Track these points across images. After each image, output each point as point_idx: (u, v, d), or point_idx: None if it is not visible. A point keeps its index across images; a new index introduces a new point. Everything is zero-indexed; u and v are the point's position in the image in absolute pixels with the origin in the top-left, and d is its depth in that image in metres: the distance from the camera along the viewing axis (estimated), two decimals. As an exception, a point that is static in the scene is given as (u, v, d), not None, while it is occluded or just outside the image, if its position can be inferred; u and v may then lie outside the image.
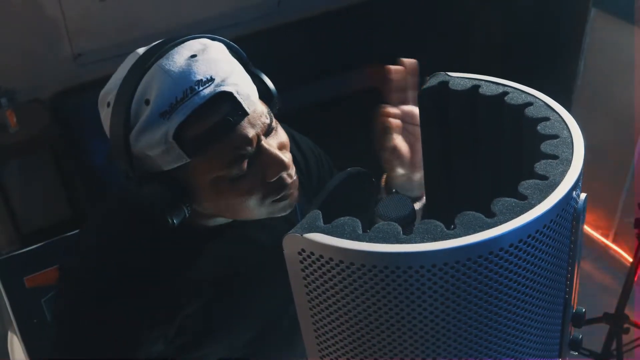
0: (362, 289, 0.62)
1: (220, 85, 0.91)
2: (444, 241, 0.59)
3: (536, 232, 0.62)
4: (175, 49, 0.94)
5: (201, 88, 0.90)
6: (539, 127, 0.73)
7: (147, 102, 0.90)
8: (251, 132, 0.94)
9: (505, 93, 0.79)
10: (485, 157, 0.83)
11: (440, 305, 0.62)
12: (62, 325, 1.06)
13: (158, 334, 1.05)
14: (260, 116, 0.96)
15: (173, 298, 1.05)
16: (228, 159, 0.94)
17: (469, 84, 0.82)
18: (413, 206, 0.79)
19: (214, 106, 0.91)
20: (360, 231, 0.62)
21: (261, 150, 0.96)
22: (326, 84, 3.26)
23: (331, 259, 0.62)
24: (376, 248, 0.60)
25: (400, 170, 1.10)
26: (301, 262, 0.65)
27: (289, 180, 0.99)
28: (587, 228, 3.04)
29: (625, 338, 2.38)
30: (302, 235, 0.63)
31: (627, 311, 2.31)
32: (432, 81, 0.85)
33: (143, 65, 0.91)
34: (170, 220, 0.95)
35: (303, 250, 0.64)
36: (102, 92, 0.97)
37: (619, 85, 2.63)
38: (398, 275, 0.60)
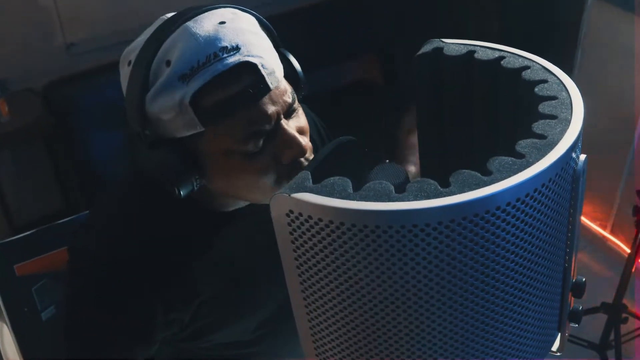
0: (353, 250, 0.59)
1: (246, 55, 0.87)
2: (438, 199, 0.57)
3: (534, 191, 0.59)
4: (205, 14, 0.90)
5: (225, 55, 0.86)
6: (536, 89, 0.70)
7: (168, 63, 0.87)
8: (271, 109, 0.90)
9: (502, 57, 0.77)
10: (482, 122, 0.81)
11: (434, 268, 0.59)
12: (76, 306, 1.03)
13: (173, 317, 1.02)
14: (283, 94, 0.92)
15: (190, 282, 1.02)
16: (244, 133, 0.90)
17: (464, 50, 0.80)
18: (407, 174, 0.76)
19: (236, 76, 0.87)
20: (350, 190, 0.60)
21: (280, 129, 0.92)
22: (323, 74, 3.24)
23: (320, 220, 0.59)
24: (367, 206, 0.57)
25: (412, 169, 1.07)
26: (289, 224, 0.62)
27: (305, 164, 0.94)
28: (584, 219, 3.02)
29: (625, 329, 2.36)
30: (289, 195, 0.60)
31: (626, 302, 2.29)
32: (427, 47, 0.82)
33: (169, 27, 0.88)
34: (176, 190, 0.90)
35: (291, 212, 0.61)
36: (125, 50, 0.94)
37: (617, 74, 2.61)
38: (390, 235, 0.57)
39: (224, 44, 0.87)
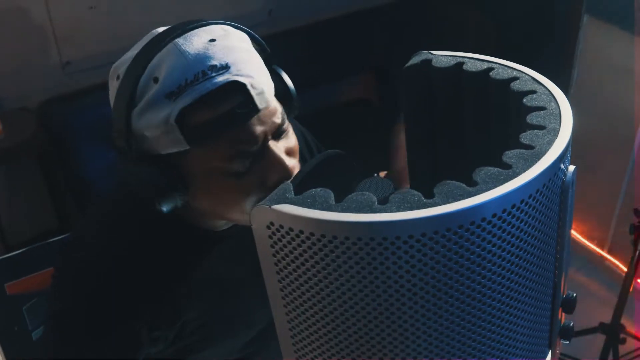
0: (334, 263, 0.57)
1: (235, 74, 0.86)
2: (422, 210, 0.55)
3: (521, 202, 0.58)
4: (196, 30, 0.89)
5: (214, 74, 0.85)
6: (525, 100, 0.69)
7: (155, 80, 0.86)
8: (258, 130, 0.89)
9: (491, 69, 0.76)
10: (472, 134, 0.79)
11: (418, 281, 0.57)
12: (58, 327, 1.01)
13: (158, 335, 1.00)
14: (272, 115, 0.91)
15: (174, 300, 1.00)
16: (229, 153, 0.88)
17: (452, 61, 0.79)
18: (394, 188, 0.75)
19: (224, 95, 0.85)
20: (332, 202, 0.58)
21: (267, 151, 0.91)
22: (317, 94, 3.24)
23: (301, 232, 0.58)
24: (349, 218, 0.56)
25: (408, 185, 1.06)
26: (270, 236, 0.60)
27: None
28: (581, 239, 3.00)
29: (623, 349, 2.33)
30: (270, 207, 0.58)
31: (624, 322, 2.27)
32: (415, 59, 0.81)
33: (159, 42, 0.87)
34: (158, 206, 0.89)
35: (272, 224, 0.59)
36: (115, 64, 0.93)
37: (614, 92, 2.61)
38: (372, 247, 0.56)
39: (213, 62, 0.86)
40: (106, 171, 2.79)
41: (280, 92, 0.96)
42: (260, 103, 0.88)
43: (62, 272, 1.02)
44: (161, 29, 0.91)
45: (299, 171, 0.78)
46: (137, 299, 0.97)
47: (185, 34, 0.88)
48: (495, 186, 0.57)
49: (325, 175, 0.82)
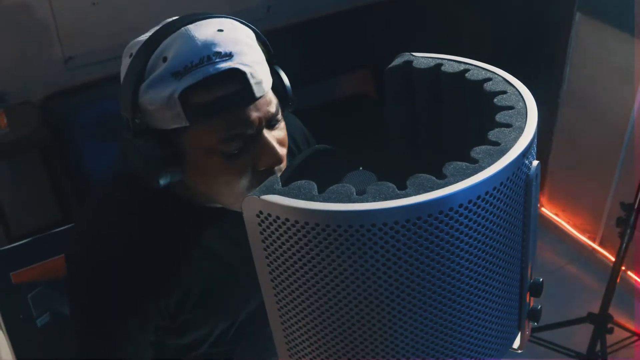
0: (317, 249, 0.64)
1: (237, 63, 0.93)
2: (395, 200, 0.61)
3: (486, 194, 0.64)
4: (207, 20, 0.97)
5: (218, 60, 0.93)
6: (495, 100, 0.75)
7: (164, 59, 0.93)
8: (254, 115, 0.96)
9: (466, 70, 0.82)
10: (448, 131, 0.85)
11: (393, 265, 0.63)
12: (76, 310, 1.09)
13: (162, 305, 1.06)
14: (268, 104, 0.98)
15: (174, 272, 1.07)
16: (226, 134, 0.95)
17: (432, 63, 0.85)
18: (376, 179, 0.80)
19: (224, 80, 0.93)
20: (315, 193, 0.64)
21: (260, 136, 0.98)
22: (314, 90, 3.28)
23: (287, 220, 0.64)
24: (329, 207, 0.62)
25: None
26: (259, 224, 0.66)
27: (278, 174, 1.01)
28: (574, 231, 3.06)
29: (611, 339, 2.39)
30: (259, 197, 0.64)
31: (612, 312, 2.33)
32: (398, 61, 0.87)
33: (171, 26, 0.95)
34: (155, 178, 0.96)
35: (261, 212, 0.65)
36: (130, 43, 1.01)
37: (605, 88, 2.66)
38: (351, 234, 0.62)
39: (219, 49, 0.93)
40: (105, 163, 2.84)
41: (278, 89, 1.03)
42: (257, 91, 0.96)
43: (69, 259, 1.09)
44: (174, 18, 0.99)
45: (288, 165, 0.84)
46: (140, 272, 1.04)
47: (197, 22, 0.96)
48: (463, 179, 0.63)
49: (314, 169, 0.88)
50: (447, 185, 0.62)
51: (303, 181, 0.66)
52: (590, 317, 2.33)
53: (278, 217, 0.64)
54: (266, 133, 0.99)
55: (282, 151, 1.01)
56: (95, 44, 2.76)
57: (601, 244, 2.96)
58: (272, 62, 1.04)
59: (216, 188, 1.02)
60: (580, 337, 2.42)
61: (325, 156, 0.88)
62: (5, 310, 2.05)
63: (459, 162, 0.65)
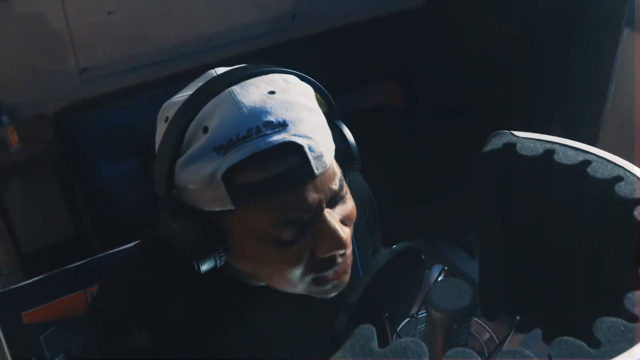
0: None
1: (293, 134, 0.77)
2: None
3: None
4: (255, 79, 0.81)
5: (269, 131, 0.76)
6: (637, 212, 0.60)
7: (205, 129, 0.78)
8: (313, 197, 0.80)
9: (587, 162, 0.66)
10: (554, 236, 0.70)
11: None
12: None
13: None
14: (330, 181, 0.82)
15: (211, 353, 0.93)
16: (278, 219, 0.79)
17: (540, 148, 0.69)
18: (473, 295, 0.66)
19: (278, 156, 0.77)
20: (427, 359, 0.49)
21: (320, 219, 0.82)
22: (341, 99, 3.15)
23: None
24: (450, 389, 0.47)
25: None
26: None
27: (340, 260, 0.84)
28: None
29: None
30: (352, 364, 0.49)
31: None
32: (495, 142, 0.71)
33: (213, 87, 0.79)
34: (196, 265, 0.81)
35: (353, 380, 0.50)
36: (165, 104, 0.85)
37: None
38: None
39: (270, 118, 0.77)
40: (121, 178, 2.75)
41: (341, 150, 0.87)
42: (317, 167, 0.79)
43: (91, 333, 0.96)
44: (220, 70, 0.84)
45: (366, 274, 0.69)
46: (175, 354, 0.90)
47: (243, 82, 0.80)
48: (625, 348, 0.48)
49: (392, 271, 0.74)
50: (607, 358, 0.47)
51: (409, 340, 0.50)
52: None
53: (377, 392, 0.49)
54: (327, 215, 0.82)
55: (347, 233, 0.84)
56: (112, 54, 2.63)
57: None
58: (334, 117, 0.88)
59: (266, 273, 0.87)
60: None
61: (406, 259, 0.73)
62: (16, 353, 1.93)
63: (613, 319, 0.50)
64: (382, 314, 0.76)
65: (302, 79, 0.85)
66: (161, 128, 0.84)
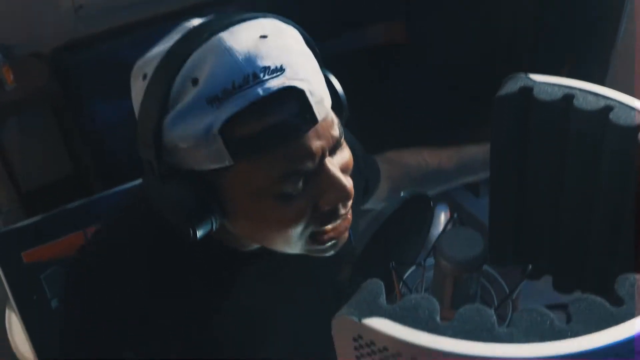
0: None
1: (292, 79, 0.71)
2: (558, 342, 0.43)
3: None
4: (242, 24, 0.74)
5: (267, 77, 0.71)
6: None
7: (194, 81, 0.71)
8: (316, 144, 0.74)
9: (609, 107, 0.62)
10: (571, 184, 0.67)
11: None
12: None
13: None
14: (330, 127, 0.76)
15: (204, 326, 0.90)
16: (281, 172, 0.74)
17: (559, 93, 0.65)
18: (484, 244, 0.63)
19: (277, 103, 0.71)
20: (438, 317, 0.46)
21: (323, 169, 0.76)
22: (343, 39, 3.09)
23: (399, 353, 0.46)
24: (463, 348, 0.44)
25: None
26: (357, 348, 0.49)
27: (342, 212, 0.79)
28: None
29: None
30: (360, 321, 0.47)
31: None
32: (511, 86, 0.67)
33: (198, 36, 0.72)
34: (191, 231, 0.76)
35: (360, 337, 0.48)
36: (139, 61, 0.77)
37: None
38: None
39: (267, 62, 0.71)
40: (118, 118, 2.71)
41: (331, 100, 0.80)
42: (319, 113, 0.74)
43: (73, 296, 0.92)
44: (196, 21, 0.76)
45: (374, 220, 0.65)
46: (161, 326, 0.87)
47: (231, 28, 0.73)
48: (648, 306, 0.45)
49: (399, 219, 0.71)
50: (628, 318, 0.44)
51: (419, 296, 0.48)
52: None
53: (385, 348, 0.47)
54: (329, 163, 0.77)
55: (350, 182, 0.79)
56: (108, -10, 2.56)
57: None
58: (320, 64, 0.80)
59: (265, 234, 0.82)
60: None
61: (414, 206, 0.70)
62: (17, 292, 1.93)
63: (637, 276, 0.47)
64: (388, 263, 0.74)
65: (287, 23, 0.78)
66: (139, 87, 0.76)
